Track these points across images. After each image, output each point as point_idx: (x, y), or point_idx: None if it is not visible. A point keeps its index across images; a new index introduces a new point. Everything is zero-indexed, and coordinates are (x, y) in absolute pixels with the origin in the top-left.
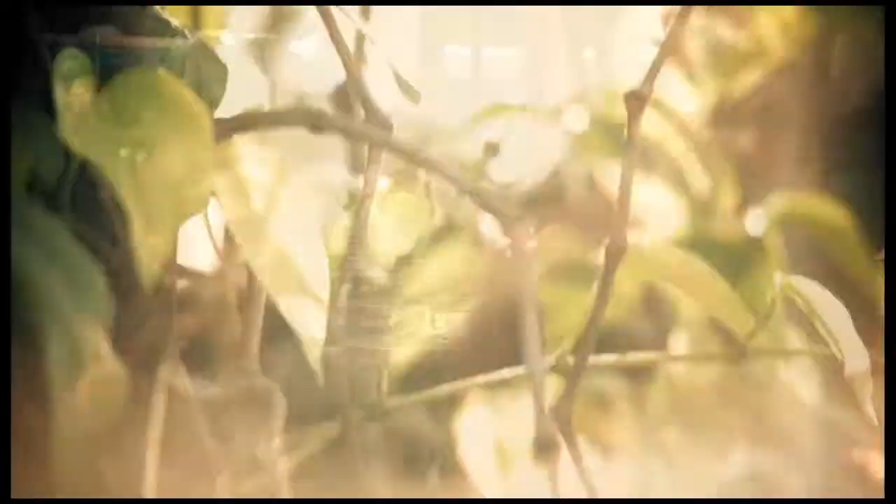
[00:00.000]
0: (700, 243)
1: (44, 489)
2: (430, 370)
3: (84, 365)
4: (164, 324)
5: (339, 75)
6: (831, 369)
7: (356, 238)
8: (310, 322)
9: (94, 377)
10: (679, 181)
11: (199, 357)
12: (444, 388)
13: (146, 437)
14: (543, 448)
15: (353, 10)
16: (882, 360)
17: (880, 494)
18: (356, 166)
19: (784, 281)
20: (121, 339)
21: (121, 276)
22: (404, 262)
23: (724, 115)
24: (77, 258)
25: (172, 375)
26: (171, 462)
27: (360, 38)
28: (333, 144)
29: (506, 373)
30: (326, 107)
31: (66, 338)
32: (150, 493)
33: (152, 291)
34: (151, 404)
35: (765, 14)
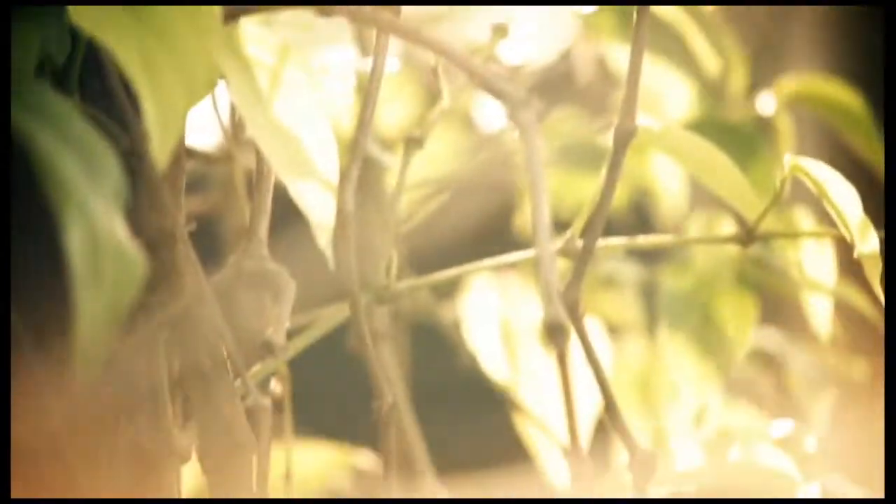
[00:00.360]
0: (710, 126)
1: (59, 380)
2: (438, 253)
3: (103, 248)
4: (174, 206)
5: None
6: (841, 250)
7: (364, 121)
8: (319, 205)
9: (113, 260)
10: (689, 63)
11: (208, 240)
12: (452, 272)
13: (157, 320)
14: (551, 332)
15: None
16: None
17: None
18: (364, 49)
19: (793, 163)
20: (131, 222)
21: (131, 158)
22: (413, 145)
23: None
24: (91, 141)
25: (182, 258)
26: (183, 344)
27: None
28: (341, 27)
29: (513, 256)
30: None
31: (84, 221)
32: (162, 375)
33: (163, 174)
34: (162, 287)
35: None
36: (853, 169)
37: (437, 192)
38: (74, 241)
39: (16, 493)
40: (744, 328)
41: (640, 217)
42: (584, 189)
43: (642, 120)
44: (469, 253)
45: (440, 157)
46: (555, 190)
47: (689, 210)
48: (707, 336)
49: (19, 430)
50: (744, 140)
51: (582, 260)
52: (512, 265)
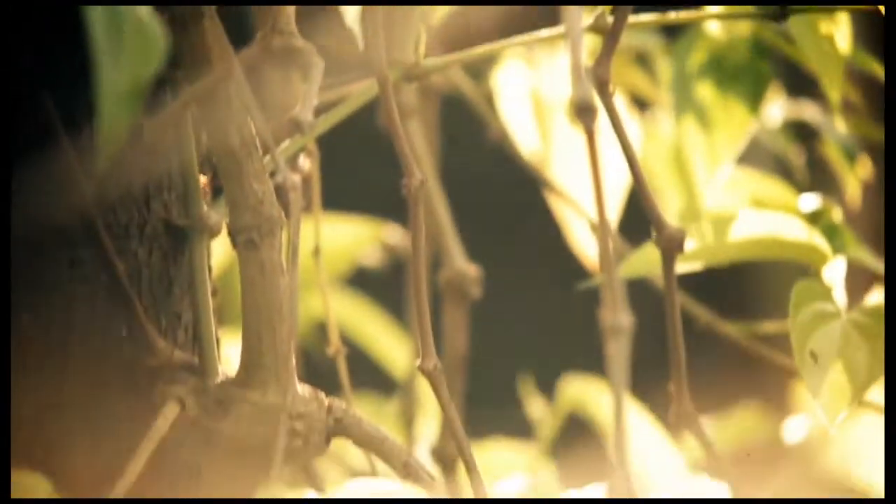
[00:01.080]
0: None
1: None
2: (467, 29)
3: (124, 23)
4: None
5: None
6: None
7: None
8: None
9: (134, 35)
10: None
11: (235, 15)
12: (482, 49)
13: (185, 96)
14: (581, 109)
15: None
16: None
17: None
18: None
19: None
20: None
21: None
22: None
23: None
24: None
25: (210, 34)
26: (212, 120)
27: None
28: None
29: (544, 32)
30: None
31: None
32: (191, 151)
33: None
34: (189, 63)
35: None
36: None
37: None
38: (95, 16)
39: (46, 275)
40: (756, 98)
41: None
42: None
43: None
44: (504, 28)
45: None
46: None
47: None
48: (720, 107)
49: (53, 211)
50: None
51: (612, 36)
52: (545, 41)
